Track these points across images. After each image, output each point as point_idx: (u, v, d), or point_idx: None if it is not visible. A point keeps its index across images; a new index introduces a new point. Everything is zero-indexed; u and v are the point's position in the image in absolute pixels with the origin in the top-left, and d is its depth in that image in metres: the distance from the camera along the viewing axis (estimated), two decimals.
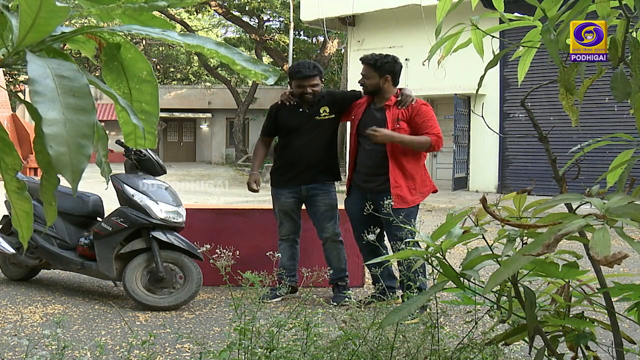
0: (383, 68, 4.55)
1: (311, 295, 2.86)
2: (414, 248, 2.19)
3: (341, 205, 4.95)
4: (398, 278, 3.35)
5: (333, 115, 4.83)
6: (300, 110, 4.84)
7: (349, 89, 8.61)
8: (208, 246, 2.79)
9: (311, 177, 4.82)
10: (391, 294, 3.78)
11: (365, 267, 5.41)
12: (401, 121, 4.52)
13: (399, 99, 4.57)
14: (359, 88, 4.91)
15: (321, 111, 4.82)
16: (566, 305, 1.79)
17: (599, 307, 1.78)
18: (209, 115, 33.50)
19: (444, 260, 1.71)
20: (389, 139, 4.44)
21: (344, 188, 5.02)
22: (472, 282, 1.78)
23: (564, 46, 1.73)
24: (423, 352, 2.53)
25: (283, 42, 27.72)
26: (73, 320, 4.34)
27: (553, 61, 1.68)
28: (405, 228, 2.82)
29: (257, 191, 4.99)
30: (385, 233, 4.56)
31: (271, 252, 2.96)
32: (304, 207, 4.96)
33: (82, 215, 5.21)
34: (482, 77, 2.02)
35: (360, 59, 4.69)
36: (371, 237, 2.82)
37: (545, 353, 1.73)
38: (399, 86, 4.72)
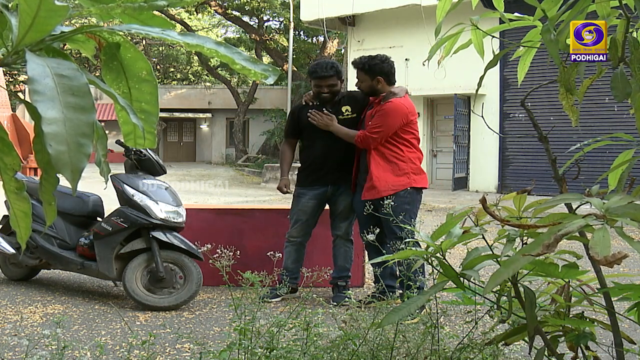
0: (372, 70, 4.58)
1: (311, 295, 2.86)
2: (413, 248, 2.19)
3: None
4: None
5: (355, 115, 4.83)
6: (323, 110, 4.83)
7: (349, 89, 8.62)
8: (209, 246, 2.79)
9: (338, 177, 4.83)
10: (391, 293, 3.78)
11: (366, 267, 5.42)
12: (373, 118, 4.58)
13: (384, 95, 4.62)
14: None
15: (343, 110, 4.82)
16: (566, 305, 1.79)
17: (599, 307, 1.78)
18: (209, 115, 33.50)
19: (444, 260, 1.71)
20: (325, 127, 4.66)
21: None
22: (472, 282, 1.78)
23: (564, 46, 1.73)
24: (423, 352, 2.52)
25: (283, 42, 27.72)
26: (73, 320, 4.34)
27: (553, 61, 1.68)
28: (405, 228, 2.81)
29: (290, 192, 5.00)
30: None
31: (272, 252, 2.96)
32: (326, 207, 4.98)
33: (82, 215, 5.21)
34: (482, 77, 2.02)
35: (352, 63, 4.73)
36: (370, 237, 2.82)
37: (545, 353, 1.73)
38: (396, 85, 4.74)
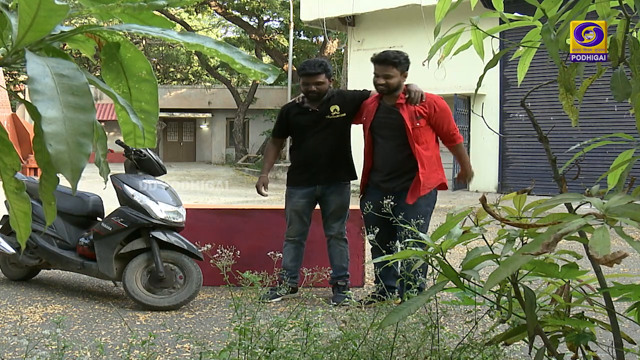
0: (404, 65, 4.52)
1: (311, 295, 2.86)
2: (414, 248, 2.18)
3: (354, 205, 4.96)
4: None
5: (344, 114, 4.79)
6: (311, 110, 4.83)
7: (349, 89, 8.61)
8: (209, 246, 2.79)
9: (326, 176, 4.82)
10: (390, 294, 3.77)
11: (366, 267, 5.41)
12: (421, 119, 4.47)
13: (407, 95, 4.51)
14: (364, 88, 4.91)
15: (331, 110, 4.79)
16: (566, 305, 1.79)
17: (599, 307, 1.78)
18: (209, 115, 33.51)
19: (444, 260, 1.71)
20: (471, 173, 4.75)
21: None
22: (472, 282, 1.78)
23: (564, 46, 1.73)
24: (423, 352, 2.52)
25: (283, 42, 27.73)
26: (73, 320, 4.34)
27: (553, 61, 1.68)
28: (415, 229, 2.79)
29: (265, 195, 4.99)
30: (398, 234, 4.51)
31: (272, 252, 2.96)
32: (317, 207, 4.97)
33: (82, 215, 5.21)
34: (481, 77, 2.02)
35: (378, 60, 4.54)
36: (370, 237, 2.82)
37: (545, 353, 1.73)
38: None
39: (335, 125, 4.80)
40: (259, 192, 4.97)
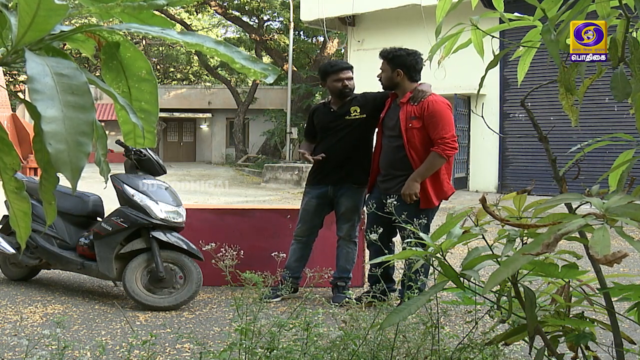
0: (394, 61, 4.49)
1: (312, 295, 2.86)
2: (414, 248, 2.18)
3: None
4: (396, 280, 3.34)
5: (364, 115, 4.75)
6: (332, 110, 4.84)
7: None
8: (213, 245, 2.79)
9: (338, 178, 4.79)
10: (389, 294, 3.77)
11: (366, 267, 5.41)
12: (414, 119, 4.40)
13: (412, 94, 4.47)
14: (363, 88, 4.92)
15: (351, 111, 4.77)
16: (566, 305, 1.79)
17: (599, 307, 1.78)
18: (209, 115, 33.50)
19: (444, 260, 1.71)
20: (415, 187, 4.34)
21: None
22: (472, 282, 1.78)
23: (564, 46, 1.73)
24: (423, 352, 2.52)
25: (283, 42, 27.73)
26: (73, 320, 4.34)
27: (553, 61, 1.68)
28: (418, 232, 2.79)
29: (311, 159, 4.79)
30: (397, 236, 4.48)
31: (276, 253, 2.96)
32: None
33: (82, 215, 5.20)
34: (483, 77, 2.02)
35: (379, 52, 4.65)
36: (373, 236, 2.81)
37: (545, 353, 1.73)
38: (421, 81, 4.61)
39: (354, 126, 4.76)
40: (305, 156, 4.82)
